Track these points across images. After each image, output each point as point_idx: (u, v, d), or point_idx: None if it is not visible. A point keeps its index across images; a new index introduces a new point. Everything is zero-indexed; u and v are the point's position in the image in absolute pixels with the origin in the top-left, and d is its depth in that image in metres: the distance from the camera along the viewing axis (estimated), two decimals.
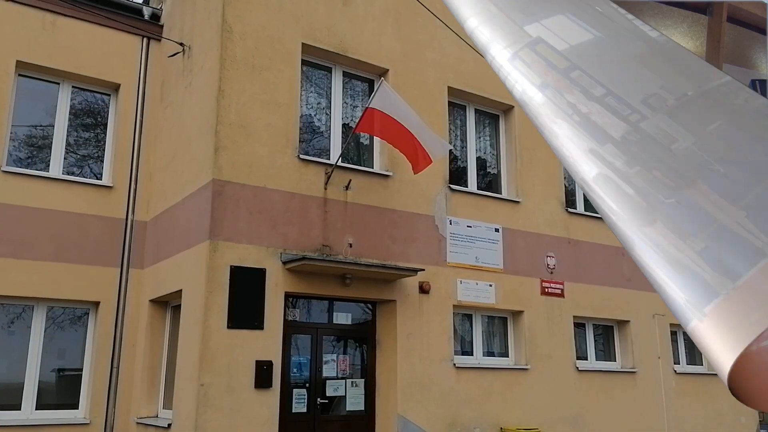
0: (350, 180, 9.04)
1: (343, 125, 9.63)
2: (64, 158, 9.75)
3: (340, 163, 8.92)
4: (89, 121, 10.17)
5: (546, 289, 10.62)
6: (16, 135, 9.53)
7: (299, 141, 8.92)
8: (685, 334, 12.88)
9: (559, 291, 10.76)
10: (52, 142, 9.70)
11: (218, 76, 8.39)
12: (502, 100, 10.94)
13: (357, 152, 9.82)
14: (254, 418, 7.83)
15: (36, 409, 8.98)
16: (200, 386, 7.55)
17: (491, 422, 9.60)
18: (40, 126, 9.76)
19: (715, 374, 11.63)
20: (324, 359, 8.95)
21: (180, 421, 7.95)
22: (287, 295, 8.47)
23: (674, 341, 12.39)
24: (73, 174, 9.79)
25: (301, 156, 8.81)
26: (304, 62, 9.25)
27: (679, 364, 12.38)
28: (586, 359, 11.24)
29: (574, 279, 11.02)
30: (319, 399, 8.74)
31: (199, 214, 8.30)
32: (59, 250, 9.25)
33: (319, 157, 9.13)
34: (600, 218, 10.88)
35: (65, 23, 9.80)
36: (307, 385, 8.72)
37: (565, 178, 11.58)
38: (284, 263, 8.33)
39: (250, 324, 8.02)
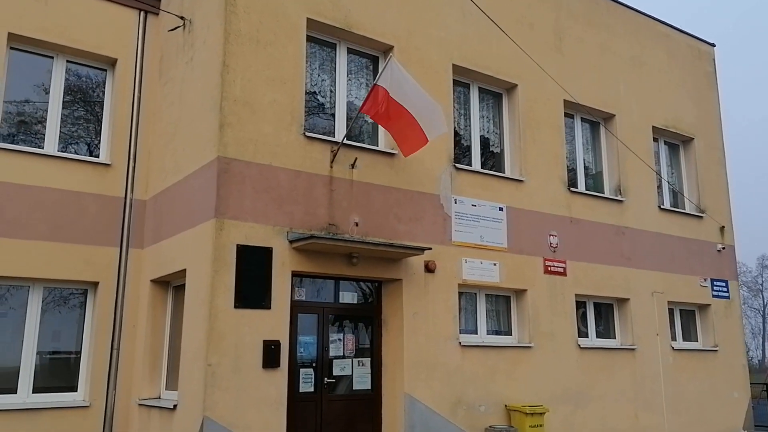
0: (356, 158, 8.90)
1: (348, 103, 9.47)
2: (59, 135, 9.45)
3: (345, 141, 8.77)
4: (85, 96, 9.86)
5: (549, 268, 10.64)
6: (8, 110, 9.21)
7: (304, 118, 8.75)
8: (681, 311, 13.03)
9: (561, 270, 10.79)
10: (46, 118, 9.39)
11: (222, 51, 8.16)
12: (506, 78, 10.85)
13: (363, 130, 9.67)
14: (262, 398, 7.75)
15: (33, 392, 8.77)
16: (207, 366, 7.44)
17: (496, 400, 9.64)
18: (34, 102, 9.44)
19: (710, 350, 11.76)
20: (330, 338, 8.88)
21: (187, 401, 7.83)
22: (294, 274, 8.36)
23: (671, 318, 12.53)
24: (68, 151, 9.51)
25: (307, 133, 8.64)
26: (308, 38, 9.04)
27: (675, 340, 12.55)
28: (587, 337, 11.32)
29: (575, 258, 11.05)
30: (326, 378, 8.69)
31: (204, 192, 8.12)
32: (55, 230, 9.00)
33: (324, 135, 8.97)
34: (601, 197, 10.97)
35: None
36: (314, 364, 8.66)
37: (567, 157, 11.55)
38: (291, 242, 8.20)
39: (258, 303, 7.91)
